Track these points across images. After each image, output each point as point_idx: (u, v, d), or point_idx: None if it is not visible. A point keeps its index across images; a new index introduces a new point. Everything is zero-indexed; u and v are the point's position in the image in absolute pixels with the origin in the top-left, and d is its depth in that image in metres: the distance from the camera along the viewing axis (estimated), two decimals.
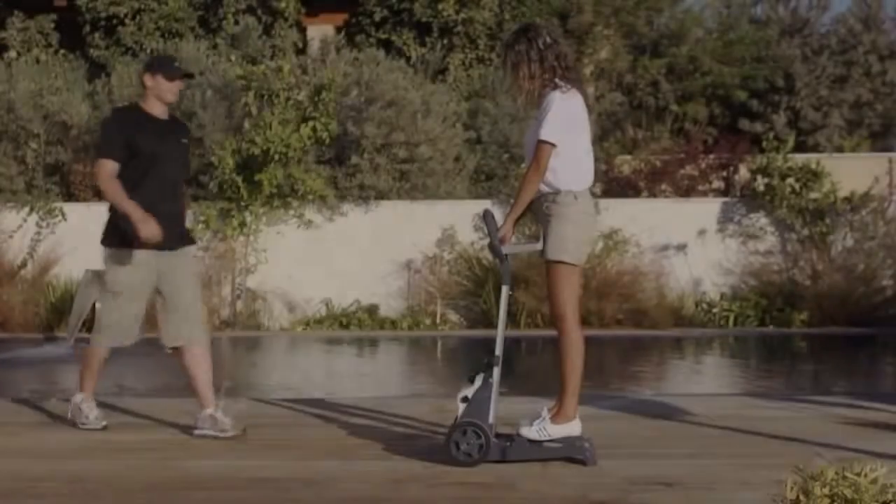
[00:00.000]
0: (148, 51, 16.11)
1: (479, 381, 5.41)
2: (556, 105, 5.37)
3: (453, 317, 13.44)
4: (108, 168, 6.17)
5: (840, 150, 19.19)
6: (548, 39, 5.47)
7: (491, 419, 5.41)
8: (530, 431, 5.47)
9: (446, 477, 5.26)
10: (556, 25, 5.25)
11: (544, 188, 5.42)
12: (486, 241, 5.71)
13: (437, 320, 13.23)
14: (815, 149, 18.85)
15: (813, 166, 13.62)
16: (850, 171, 14.03)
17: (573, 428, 5.50)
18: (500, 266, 5.50)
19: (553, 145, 5.32)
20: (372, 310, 13.42)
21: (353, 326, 13.18)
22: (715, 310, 13.33)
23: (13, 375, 10.47)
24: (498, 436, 5.46)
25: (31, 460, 5.72)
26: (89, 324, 12.61)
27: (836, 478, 3.25)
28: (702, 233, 13.77)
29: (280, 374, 11.05)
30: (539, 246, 5.46)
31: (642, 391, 9.55)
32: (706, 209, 13.93)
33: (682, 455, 5.66)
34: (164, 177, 6.34)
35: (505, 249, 5.48)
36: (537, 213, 5.51)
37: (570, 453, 5.47)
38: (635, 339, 12.61)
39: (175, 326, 6.48)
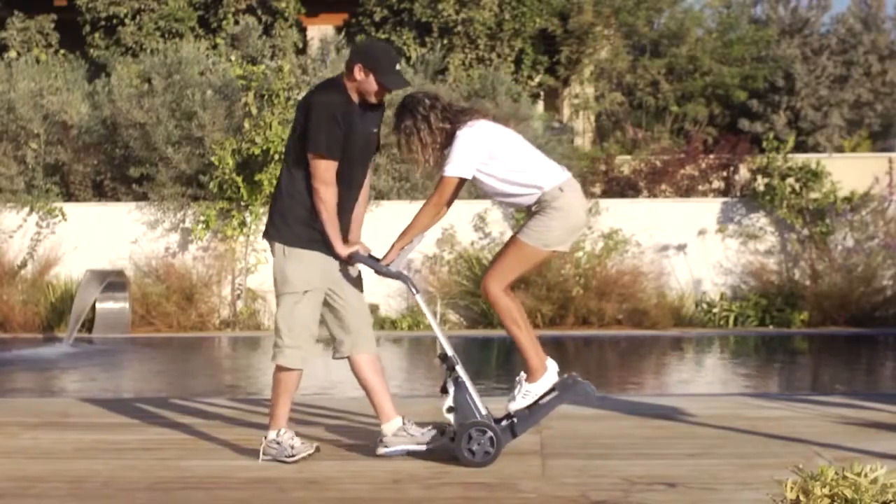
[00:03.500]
0: (148, 51, 16.09)
1: (451, 386, 5.46)
2: (459, 141, 5.52)
3: (453, 317, 13.44)
4: (331, 170, 5.47)
5: (840, 150, 19.20)
6: (426, 102, 5.61)
7: (483, 410, 5.45)
8: (518, 402, 5.58)
9: (446, 477, 5.26)
10: (432, 93, 5.37)
11: (530, 199, 5.56)
12: (388, 263, 5.76)
13: (438, 320, 13.23)
14: (815, 149, 18.86)
15: (813, 166, 13.62)
16: (850, 171, 14.03)
17: (550, 375, 5.60)
18: (403, 282, 5.84)
19: (454, 177, 5.48)
20: (372, 310, 13.40)
21: None
22: (715, 310, 13.32)
23: (13, 375, 10.47)
24: (497, 420, 5.51)
25: (31, 460, 5.72)
26: (89, 324, 12.54)
27: (836, 478, 3.25)
28: (702, 233, 13.76)
29: None
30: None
31: (642, 391, 9.56)
32: (706, 209, 13.93)
33: (682, 455, 5.67)
34: (352, 179, 5.66)
35: (393, 267, 5.68)
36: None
37: (568, 395, 5.59)
38: (635, 339, 12.61)
39: (346, 333, 5.77)
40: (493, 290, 5.58)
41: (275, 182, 13.17)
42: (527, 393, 5.58)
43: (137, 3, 17.37)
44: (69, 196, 14.21)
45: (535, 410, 5.58)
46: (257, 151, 13.02)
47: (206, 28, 17.53)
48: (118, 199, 14.13)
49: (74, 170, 14.20)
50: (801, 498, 3.23)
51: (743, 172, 14.63)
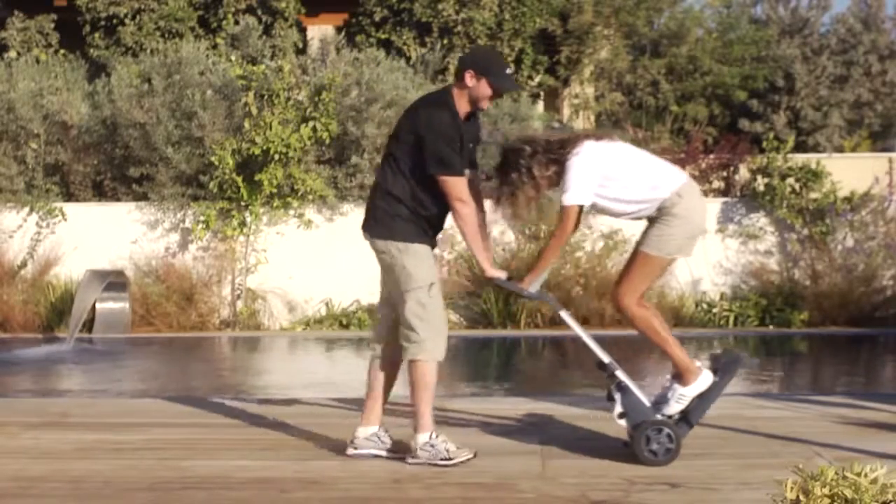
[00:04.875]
0: (148, 51, 16.09)
1: (616, 392, 5.49)
2: (572, 169, 5.55)
3: (453, 317, 13.43)
4: (465, 187, 5.52)
5: (840, 150, 19.19)
6: (526, 151, 5.64)
7: (653, 411, 5.49)
8: (672, 407, 5.59)
9: (446, 477, 5.26)
10: (528, 136, 5.49)
11: (652, 210, 5.59)
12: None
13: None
14: (815, 149, 18.85)
15: (813, 166, 13.61)
16: (850, 171, 14.02)
17: (705, 377, 5.59)
18: (546, 301, 5.94)
19: (574, 206, 5.53)
20: (372, 310, 13.41)
21: (353, 326, 13.17)
22: (715, 310, 13.32)
23: (13, 375, 10.46)
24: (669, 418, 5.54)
25: (31, 460, 5.72)
26: (89, 324, 12.54)
27: (836, 478, 3.25)
28: (702, 233, 13.77)
29: (280, 375, 11.05)
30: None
31: (642, 391, 9.53)
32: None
33: (682, 455, 5.66)
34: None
35: (532, 288, 5.69)
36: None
37: (730, 375, 5.62)
38: (635, 339, 12.57)
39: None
40: (628, 304, 5.66)
41: (275, 182, 13.21)
42: (681, 397, 5.58)
43: (137, 3, 17.36)
44: (69, 196, 14.20)
45: (705, 397, 5.57)
46: (257, 151, 13.01)
47: (206, 28, 17.52)
48: (118, 199, 14.13)
49: (74, 170, 14.19)
50: (801, 498, 3.23)
51: (743, 172, 14.61)
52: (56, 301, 13.18)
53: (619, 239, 13.34)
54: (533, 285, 5.70)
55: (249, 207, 13.37)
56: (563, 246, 5.77)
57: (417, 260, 5.55)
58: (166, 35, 17.08)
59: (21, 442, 6.23)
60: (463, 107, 5.61)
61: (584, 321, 12.96)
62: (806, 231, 13.55)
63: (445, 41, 17.10)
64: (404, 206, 5.57)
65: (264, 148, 13.00)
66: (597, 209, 5.74)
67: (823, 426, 6.35)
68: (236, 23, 17.14)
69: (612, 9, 18.86)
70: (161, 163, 13.60)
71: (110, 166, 14.21)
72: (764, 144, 14.12)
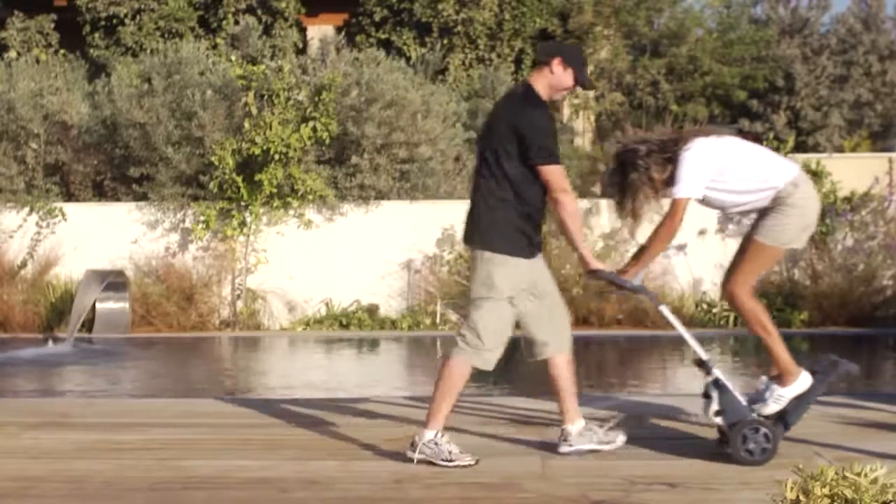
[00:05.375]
0: (148, 51, 16.09)
1: (712, 390, 5.48)
2: (685, 163, 5.60)
3: (453, 317, 13.43)
4: (565, 176, 5.58)
5: (840, 150, 19.18)
6: (642, 150, 5.67)
7: (749, 410, 5.47)
8: (770, 407, 5.57)
9: (446, 477, 5.26)
10: (639, 137, 5.62)
11: (766, 201, 5.59)
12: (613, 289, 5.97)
13: (437, 320, 13.23)
14: (815, 149, 18.85)
15: (813, 166, 13.61)
16: (850, 171, 14.02)
17: (804, 379, 5.59)
18: (645, 295, 5.89)
19: (685, 199, 5.60)
20: (372, 310, 13.41)
21: (353, 326, 13.17)
22: (715, 310, 13.31)
23: (13, 375, 10.46)
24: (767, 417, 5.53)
25: (31, 460, 5.72)
26: (89, 324, 12.55)
27: (836, 478, 3.25)
28: (702, 233, 13.76)
29: (280, 374, 11.05)
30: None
31: (642, 391, 9.55)
32: (706, 209, 13.91)
33: (682, 455, 5.67)
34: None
35: (635, 280, 5.74)
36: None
37: (830, 377, 5.64)
38: (635, 339, 12.61)
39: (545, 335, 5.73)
40: (741, 294, 5.64)
41: (275, 182, 13.21)
42: (779, 398, 5.58)
43: (137, 3, 17.37)
44: (69, 196, 14.20)
45: (803, 399, 5.57)
46: (257, 151, 13.01)
47: (206, 28, 17.53)
48: (118, 199, 14.13)
49: (74, 170, 14.19)
50: (801, 498, 3.23)
51: None
52: (56, 301, 13.18)
53: (619, 239, 13.34)
54: (636, 278, 5.74)
55: (249, 207, 13.37)
56: (670, 241, 5.76)
57: (507, 272, 5.55)
58: (166, 35, 17.09)
59: (21, 442, 6.23)
60: (543, 95, 5.65)
61: (584, 321, 12.99)
62: None
63: (445, 41, 17.11)
64: (509, 209, 5.56)
65: (264, 148, 13.00)
66: (707, 202, 5.76)
67: (823, 426, 6.35)
68: (236, 23, 17.15)
69: (612, 9, 18.86)
70: (161, 163, 13.59)
71: (110, 166, 14.21)
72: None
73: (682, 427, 6.40)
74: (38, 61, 15.79)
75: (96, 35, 17.50)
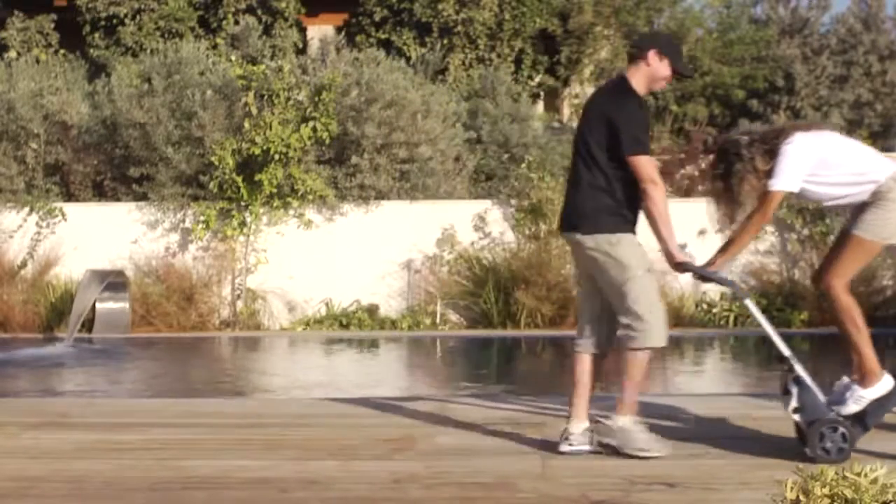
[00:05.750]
0: (148, 51, 16.09)
1: (793, 387, 5.48)
2: (785, 156, 5.61)
3: (453, 317, 13.44)
4: (655, 167, 5.63)
5: None
6: (745, 141, 5.72)
7: (829, 409, 5.45)
8: (850, 407, 5.54)
9: (446, 477, 5.26)
10: (744, 129, 5.82)
11: (865, 195, 5.60)
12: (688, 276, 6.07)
13: (437, 320, 13.23)
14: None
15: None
16: None
17: (886, 381, 5.59)
18: (730, 287, 5.96)
19: (781, 192, 5.62)
20: (372, 310, 13.41)
21: (353, 326, 13.17)
22: (715, 310, 13.32)
23: (13, 375, 10.46)
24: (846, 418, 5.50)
25: (31, 460, 5.72)
26: (89, 324, 12.56)
27: (836, 478, 3.25)
28: (702, 233, 13.74)
29: (280, 374, 11.05)
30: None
31: (642, 391, 9.53)
32: (706, 209, 13.89)
33: (682, 455, 5.66)
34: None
35: (722, 272, 5.84)
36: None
37: None
38: None
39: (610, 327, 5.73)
40: (837, 287, 5.68)
41: (275, 182, 13.21)
42: (860, 398, 5.57)
43: (137, 3, 17.37)
44: (69, 196, 14.20)
45: (883, 402, 5.56)
46: (257, 151, 13.02)
47: (206, 28, 17.53)
48: (118, 199, 14.13)
49: (74, 170, 14.19)
50: (801, 498, 3.23)
51: None
52: (56, 301, 13.18)
53: None
54: (722, 269, 5.77)
55: (249, 207, 13.37)
56: (757, 233, 5.78)
57: (631, 249, 5.60)
58: (166, 35, 17.09)
59: (21, 442, 6.23)
60: (640, 88, 5.69)
61: None
62: (806, 231, 13.56)
63: (445, 41, 17.11)
64: (607, 196, 5.61)
65: (264, 148, 13.00)
66: (803, 195, 5.77)
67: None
68: (236, 23, 17.15)
69: (612, 9, 18.87)
70: (161, 163, 13.60)
71: (110, 166, 14.21)
72: None
73: (682, 427, 6.39)
74: (38, 61, 15.79)
75: (96, 35, 17.50)
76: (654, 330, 5.54)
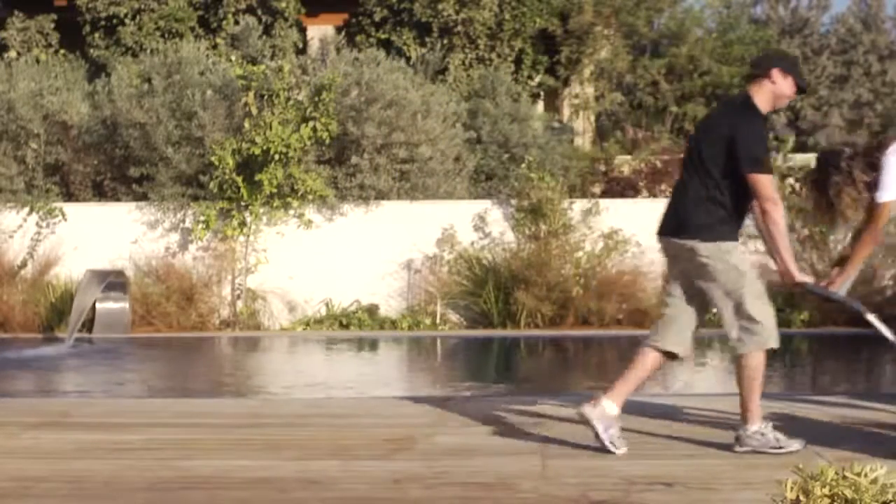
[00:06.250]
0: (148, 51, 16.08)
1: None
2: (886, 169, 5.71)
3: (453, 317, 13.43)
4: (774, 186, 5.72)
5: None
6: (846, 153, 5.75)
7: None
8: None
9: (446, 477, 5.26)
10: (845, 143, 5.93)
11: None
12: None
13: (437, 320, 13.23)
14: (815, 149, 18.85)
15: (813, 166, 13.60)
16: None
17: None
18: (852, 306, 6.05)
19: (889, 202, 5.70)
20: (372, 310, 13.40)
21: (353, 326, 13.17)
22: (715, 310, 13.31)
23: (13, 375, 10.46)
24: None
25: (31, 460, 5.72)
26: (89, 324, 12.56)
27: (836, 478, 3.25)
28: None
29: (280, 374, 11.05)
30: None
31: (642, 391, 9.53)
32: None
33: (682, 455, 5.67)
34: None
35: (841, 290, 5.92)
36: None
37: None
38: (635, 339, 12.57)
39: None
40: None
41: (275, 182, 13.21)
42: None
43: (137, 3, 17.37)
44: (69, 196, 14.20)
45: None
46: (257, 151, 13.01)
47: (206, 28, 17.53)
48: (118, 199, 14.12)
49: (74, 170, 14.19)
50: (801, 498, 3.22)
51: None
52: (56, 301, 13.18)
53: (619, 239, 13.34)
54: (842, 288, 5.77)
55: (249, 207, 13.37)
56: (874, 245, 5.84)
57: (742, 256, 5.73)
58: (166, 35, 17.09)
59: (21, 442, 6.23)
60: (764, 106, 5.78)
61: (585, 322, 12.99)
62: (806, 231, 13.55)
63: (445, 41, 17.11)
64: (722, 208, 5.70)
65: (264, 148, 13.00)
66: None
67: (823, 426, 6.35)
68: (236, 23, 17.15)
69: (612, 9, 18.87)
70: (161, 163, 13.59)
71: (110, 166, 14.21)
72: None
73: (683, 427, 6.39)
74: (38, 61, 15.78)
75: (96, 35, 17.50)
76: (769, 331, 5.66)
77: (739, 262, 5.70)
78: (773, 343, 5.68)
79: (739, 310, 5.67)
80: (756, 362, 5.67)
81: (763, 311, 5.65)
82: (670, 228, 5.92)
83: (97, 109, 14.29)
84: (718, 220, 5.71)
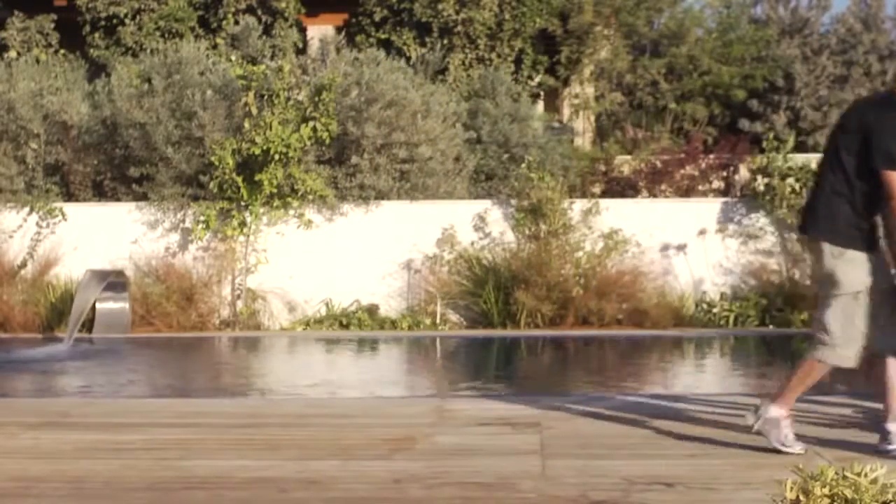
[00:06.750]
0: (148, 51, 16.08)
1: None
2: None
3: (453, 317, 13.44)
4: None
5: None
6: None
7: None
8: None
9: (446, 477, 5.26)
10: None
11: None
12: None
13: (437, 320, 13.23)
14: (815, 149, 18.83)
15: (813, 166, 13.59)
16: None
17: None
18: None
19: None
20: (372, 310, 13.41)
21: (353, 326, 13.17)
22: (715, 310, 13.32)
23: (13, 375, 10.46)
24: None
25: (31, 460, 5.72)
26: (89, 324, 12.57)
27: (836, 478, 3.25)
28: (702, 233, 13.76)
29: (280, 374, 11.05)
30: None
31: (642, 391, 9.55)
32: (706, 209, 13.92)
33: (682, 455, 5.67)
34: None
35: None
36: None
37: None
38: (635, 339, 12.61)
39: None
40: None
41: (275, 182, 13.21)
42: None
43: (137, 3, 17.37)
44: (69, 196, 14.20)
45: None
46: (257, 151, 13.02)
47: (206, 28, 17.53)
48: (118, 199, 14.13)
49: (74, 170, 14.19)
50: (801, 498, 3.22)
51: (743, 172, 14.62)
52: (56, 301, 13.18)
53: (618, 239, 13.35)
54: None
55: (249, 207, 13.37)
56: None
57: (851, 266, 5.58)
58: (166, 35, 17.09)
59: (21, 442, 6.23)
60: None
61: (585, 322, 12.99)
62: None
63: (445, 41, 17.11)
64: (846, 203, 5.62)
65: (264, 148, 13.00)
66: None
67: (823, 426, 6.35)
68: (236, 23, 17.15)
69: (612, 9, 18.88)
70: (161, 163, 13.60)
71: (110, 166, 14.21)
72: (764, 144, 14.12)
73: (682, 427, 6.40)
74: (38, 61, 15.78)
75: (96, 35, 17.50)
76: (840, 350, 5.57)
77: (844, 271, 5.58)
78: (840, 362, 5.61)
79: (822, 315, 5.61)
80: (816, 369, 5.63)
81: (840, 327, 5.55)
82: (806, 225, 5.86)
83: (97, 109, 14.29)
84: (842, 217, 5.61)
